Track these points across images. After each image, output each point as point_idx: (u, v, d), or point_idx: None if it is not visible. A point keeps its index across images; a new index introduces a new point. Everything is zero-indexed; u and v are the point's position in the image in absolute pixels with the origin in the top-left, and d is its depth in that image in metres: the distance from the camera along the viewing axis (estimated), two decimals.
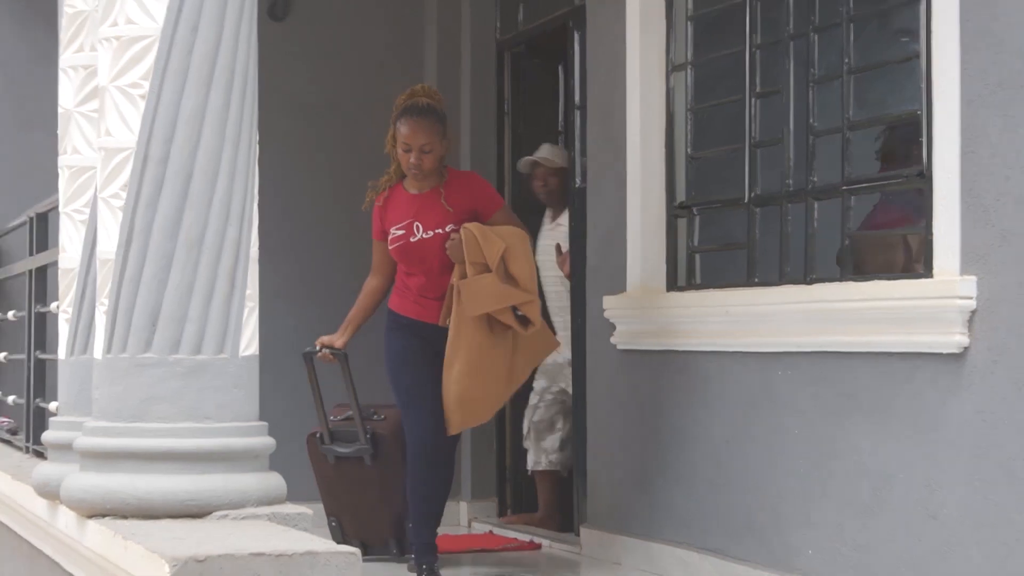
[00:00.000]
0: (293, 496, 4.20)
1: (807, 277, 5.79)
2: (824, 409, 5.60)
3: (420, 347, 6.61)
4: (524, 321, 6.46)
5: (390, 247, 6.62)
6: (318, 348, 6.87)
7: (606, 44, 7.03)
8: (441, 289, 6.52)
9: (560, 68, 8.30)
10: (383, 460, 6.87)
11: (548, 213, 8.17)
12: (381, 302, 6.88)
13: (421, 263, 6.57)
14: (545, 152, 8.14)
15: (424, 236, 6.50)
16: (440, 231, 6.48)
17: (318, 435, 7.01)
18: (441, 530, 8.09)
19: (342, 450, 6.92)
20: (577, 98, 7.81)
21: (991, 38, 4.84)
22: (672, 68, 6.76)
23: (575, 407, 7.64)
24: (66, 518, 4.51)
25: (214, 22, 4.12)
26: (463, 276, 6.38)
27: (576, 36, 7.74)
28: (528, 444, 8.15)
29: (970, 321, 4.93)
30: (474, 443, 8.57)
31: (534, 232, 7.81)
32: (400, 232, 6.55)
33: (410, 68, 8.86)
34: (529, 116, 8.62)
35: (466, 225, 6.42)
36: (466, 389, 6.42)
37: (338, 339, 6.85)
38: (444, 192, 6.55)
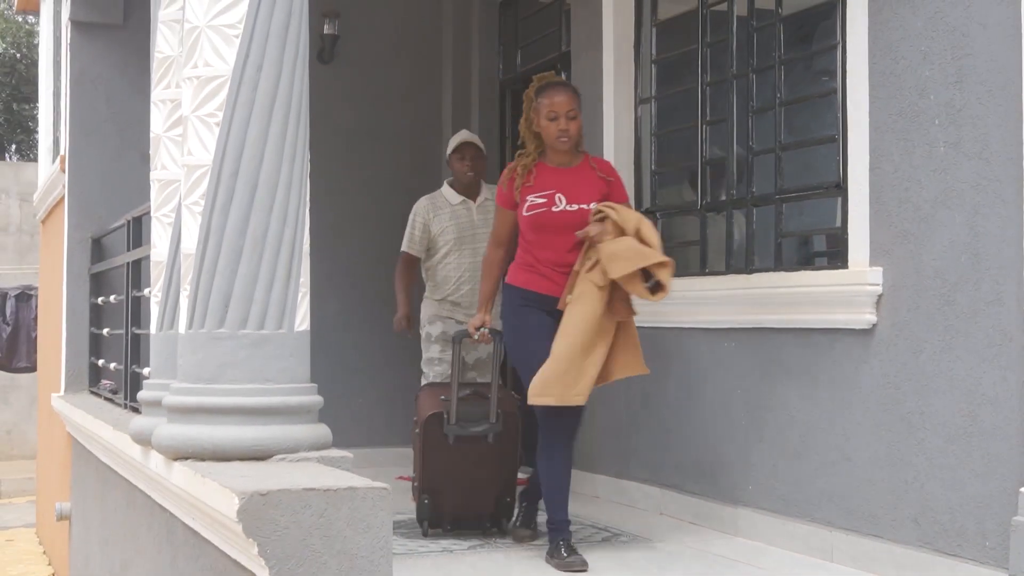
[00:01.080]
0: (337, 443, 4.19)
1: (748, 268, 5.79)
2: (761, 374, 5.59)
3: (552, 323, 5.22)
4: (654, 289, 5.08)
5: (525, 213, 5.29)
6: (471, 331, 5.64)
7: (587, 81, 7.01)
8: (567, 266, 5.22)
9: None
10: (503, 437, 5.78)
11: (466, 201, 6.85)
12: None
13: (555, 236, 5.25)
14: (467, 136, 6.99)
15: (567, 208, 5.23)
16: (583, 207, 5.22)
17: (445, 415, 5.71)
18: None
19: (475, 429, 5.71)
20: None
21: (894, 77, 4.83)
22: (639, 101, 6.75)
23: None
24: (156, 460, 4.50)
25: (274, 65, 4.11)
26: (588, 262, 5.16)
27: (563, 76, 7.72)
28: None
29: (877, 303, 4.93)
30: None
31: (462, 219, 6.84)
32: (540, 200, 5.26)
33: (430, 101, 8.86)
34: None
35: (602, 205, 5.22)
36: (572, 363, 5.06)
37: (487, 318, 5.58)
38: (580, 175, 5.34)
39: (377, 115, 8.76)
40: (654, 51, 6.71)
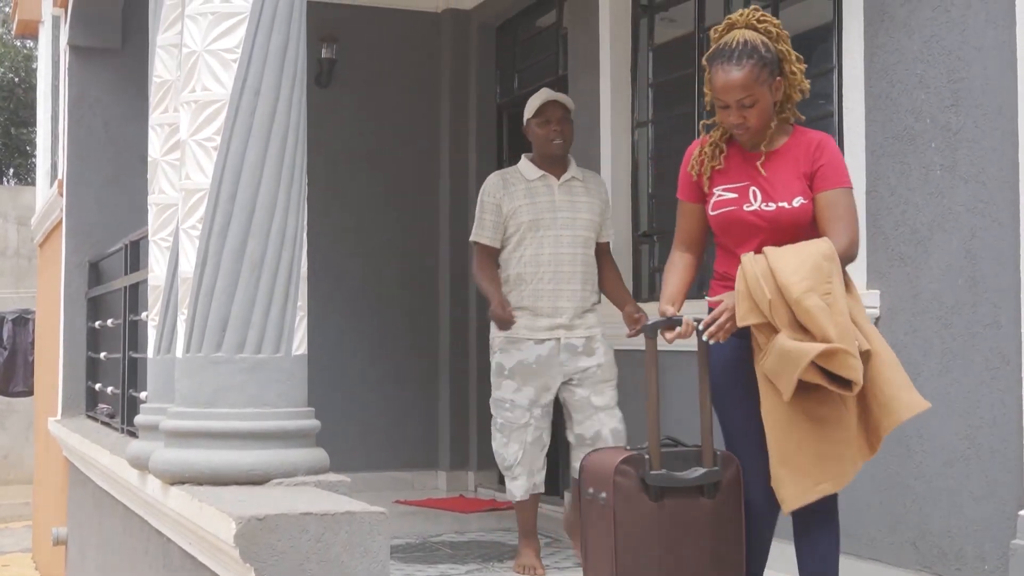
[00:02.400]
0: (335, 467, 4.19)
1: None
2: None
3: (749, 360, 3.76)
4: (843, 381, 3.54)
5: (711, 213, 3.95)
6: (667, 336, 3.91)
7: (584, 105, 7.03)
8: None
9: None
10: (727, 494, 3.78)
11: (546, 176, 5.48)
12: None
13: (747, 242, 3.85)
14: (550, 94, 5.57)
15: (763, 208, 3.81)
16: (785, 205, 3.80)
17: (646, 459, 3.72)
18: (455, 493, 8.09)
19: (686, 476, 3.72)
20: None
21: (889, 101, 4.85)
22: (636, 124, 6.77)
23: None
24: (153, 485, 4.49)
25: (272, 89, 4.12)
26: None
27: None
28: (519, 471, 5.49)
29: (875, 325, 4.93)
30: (479, 420, 8.56)
31: (540, 197, 5.48)
32: (730, 196, 3.88)
33: (428, 125, 8.88)
34: None
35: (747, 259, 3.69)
36: (785, 451, 3.62)
37: (670, 308, 4.02)
38: (781, 156, 3.87)
39: (375, 139, 8.78)
40: (651, 75, 6.73)
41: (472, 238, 5.52)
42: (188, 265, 4.19)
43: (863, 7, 4.97)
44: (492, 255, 5.48)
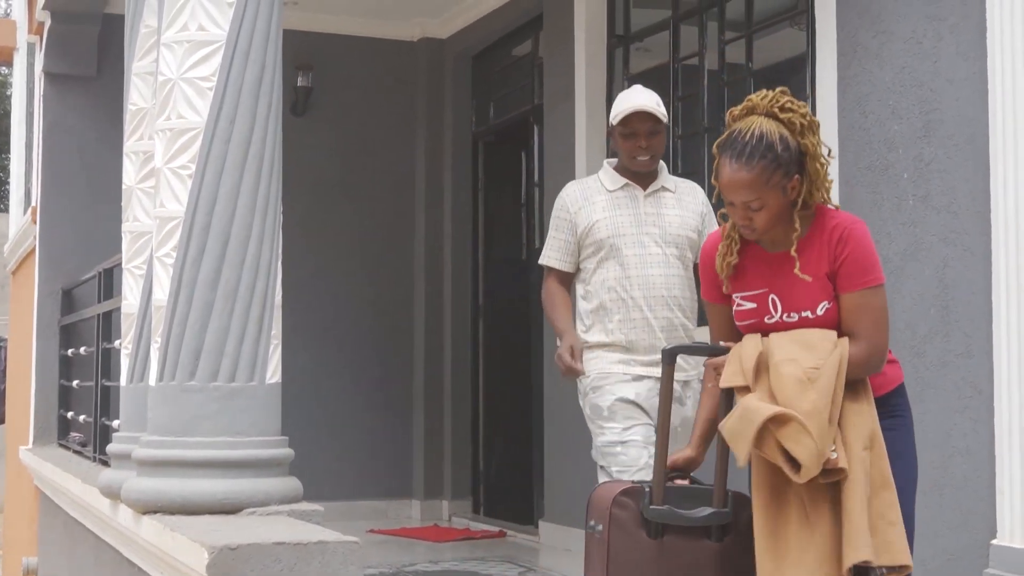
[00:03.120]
0: (308, 496, 4.17)
1: None
2: None
3: None
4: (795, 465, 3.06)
5: (738, 322, 3.34)
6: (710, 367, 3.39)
7: (559, 134, 7.06)
8: None
9: (523, 153, 8.33)
10: (736, 538, 3.32)
11: (630, 185, 4.46)
12: None
13: None
14: (648, 101, 4.44)
15: (785, 319, 3.23)
16: (809, 315, 3.20)
17: (647, 491, 3.37)
18: (429, 522, 8.08)
19: (691, 514, 3.31)
20: (536, 177, 7.85)
21: (862, 132, 4.89)
22: (611, 154, 6.79)
23: (535, 424, 7.60)
24: (125, 514, 4.47)
25: (247, 117, 4.12)
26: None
27: (536, 128, 7.79)
28: None
29: None
30: (454, 448, 8.55)
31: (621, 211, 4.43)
32: (750, 306, 3.30)
33: (404, 153, 8.89)
34: (497, 191, 8.63)
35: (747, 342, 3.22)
36: (769, 550, 3.13)
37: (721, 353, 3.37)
38: (799, 253, 3.21)
39: (350, 167, 8.78)
40: None
41: (541, 260, 4.54)
42: (162, 293, 4.18)
43: (836, 39, 5.01)
44: (565, 281, 4.50)
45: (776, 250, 3.24)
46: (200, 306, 4.06)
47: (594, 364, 4.32)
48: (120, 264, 5.34)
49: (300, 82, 8.62)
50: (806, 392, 3.05)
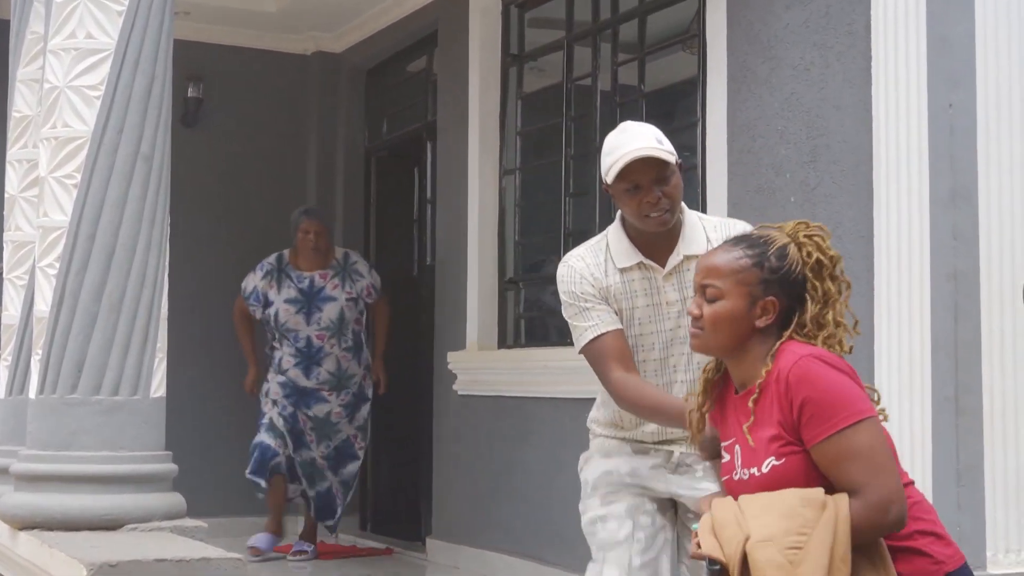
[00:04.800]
0: (192, 512, 4.12)
1: None
2: None
3: None
4: None
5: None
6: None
7: (452, 151, 7.07)
8: None
9: (416, 170, 8.32)
10: None
11: (645, 265, 3.37)
12: None
13: None
14: (646, 140, 3.31)
15: (742, 477, 2.64)
16: (755, 472, 2.59)
17: None
18: (316, 540, 8.00)
19: None
20: (429, 194, 7.85)
21: (751, 155, 4.97)
22: (504, 172, 6.82)
23: (423, 441, 7.59)
24: (1, 530, 4.37)
25: (135, 128, 4.08)
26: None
27: (429, 145, 7.79)
28: None
29: None
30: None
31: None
32: (726, 459, 2.72)
33: (295, 167, 8.84)
34: (390, 208, 8.62)
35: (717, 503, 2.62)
36: None
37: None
38: (759, 402, 2.60)
39: (240, 180, 8.70)
40: (519, 123, 6.80)
41: (583, 344, 3.44)
42: (44, 304, 4.11)
43: (727, 64, 5.09)
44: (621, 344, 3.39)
45: (740, 391, 2.69)
46: (83, 318, 4.00)
47: (598, 439, 3.56)
48: (1, 274, 5.24)
49: (191, 93, 8.52)
50: None
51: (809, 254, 2.65)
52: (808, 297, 2.62)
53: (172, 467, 4.11)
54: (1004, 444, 4.35)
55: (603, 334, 3.33)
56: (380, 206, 8.65)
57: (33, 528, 3.96)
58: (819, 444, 2.48)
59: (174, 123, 4.38)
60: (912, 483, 2.59)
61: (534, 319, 6.72)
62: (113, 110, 4.06)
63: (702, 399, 2.74)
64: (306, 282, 7.21)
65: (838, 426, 2.47)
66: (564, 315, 3.46)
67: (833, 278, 2.66)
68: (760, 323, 2.61)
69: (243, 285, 7.41)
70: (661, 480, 3.38)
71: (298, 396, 7.19)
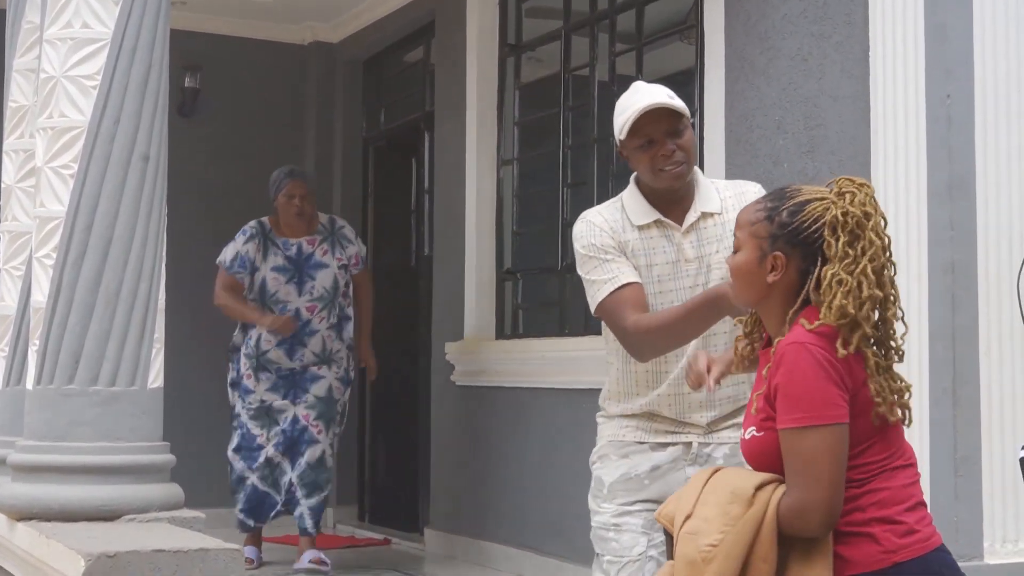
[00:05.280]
0: (190, 503, 4.13)
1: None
2: None
3: None
4: None
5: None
6: None
7: (450, 142, 7.07)
8: None
9: (413, 160, 8.32)
10: None
11: (664, 223, 3.29)
12: None
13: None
14: (658, 95, 3.28)
15: (744, 437, 2.58)
16: (745, 436, 2.55)
17: None
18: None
19: None
20: (426, 184, 7.85)
21: (748, 145, 4.97)
22: (502, 162, 6.82)
23: (421, 432, 7.59)
24: None
25: (132, 117, 4.07)
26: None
27: (427, 135, 7.79)
28: None
29: None
30: (339, 457, 8.50)
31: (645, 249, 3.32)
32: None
33: (293, 157, 8.82)
34: (388, 198, 8.61)
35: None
36: None
37: None
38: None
39: (238, 170, 8.68)
40: (517, 114, 6.79)
41: (599, 298, 3.30)
42: (41, 295, 4.11)
43: (724, 54, 5.09)
44: (640, 297, 3.29)
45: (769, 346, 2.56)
46: (80, 308, 3.99)
47: (609, 428, 3.45)
48: None
49: (188, 83, 8.50)
50: None
51: (830, 212, 2.44)
52: (828, 257, 2.43)
53: (170, 458, 4.11)
54: (1002, 435, 4.36)
55: (623, 285, 3.21)
56: (377, 196, 8.65)
57: (31, 519, 3.96)
58: (779, 431, 2.41)
59: (171, 113, 4.37)
60: (910, 466, 2.49)
61: (532, 310, 6.72)
62: (110, 100, 4.05)
63: (751, 329, 2.63)
64: (293, 249, 6.49)
65: (792, 423, 2.38)
66: (580, 272, 3.35)
67: (855, 238, 2.42)
68: (769, 279, 2.48)
69: (222, 258, 6.57)
70: (681, 477, 3.21)
71: (284, 384, 6.50)
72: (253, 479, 6.54)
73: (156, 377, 4.10)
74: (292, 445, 6.49)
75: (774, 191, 2.60)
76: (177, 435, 4.49)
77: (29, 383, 4.13)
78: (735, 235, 2.57)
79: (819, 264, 2.44)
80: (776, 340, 2.47)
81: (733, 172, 5.02)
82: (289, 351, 6.49)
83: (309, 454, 6.44)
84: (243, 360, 6.60)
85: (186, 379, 7.59)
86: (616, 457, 3.35)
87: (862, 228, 2.43)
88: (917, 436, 4.25)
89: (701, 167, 5.14)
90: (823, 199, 2.47)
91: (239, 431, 6.61)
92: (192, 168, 8.18)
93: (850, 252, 2.42)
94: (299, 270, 6.50)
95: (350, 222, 8.61)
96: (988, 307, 4.35)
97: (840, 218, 2.43)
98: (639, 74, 5.76)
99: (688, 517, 2.43)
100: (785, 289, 2.49)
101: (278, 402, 6.51)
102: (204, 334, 8.38)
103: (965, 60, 4.38)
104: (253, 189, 8.70)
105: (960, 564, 2.54)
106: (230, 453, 6.64)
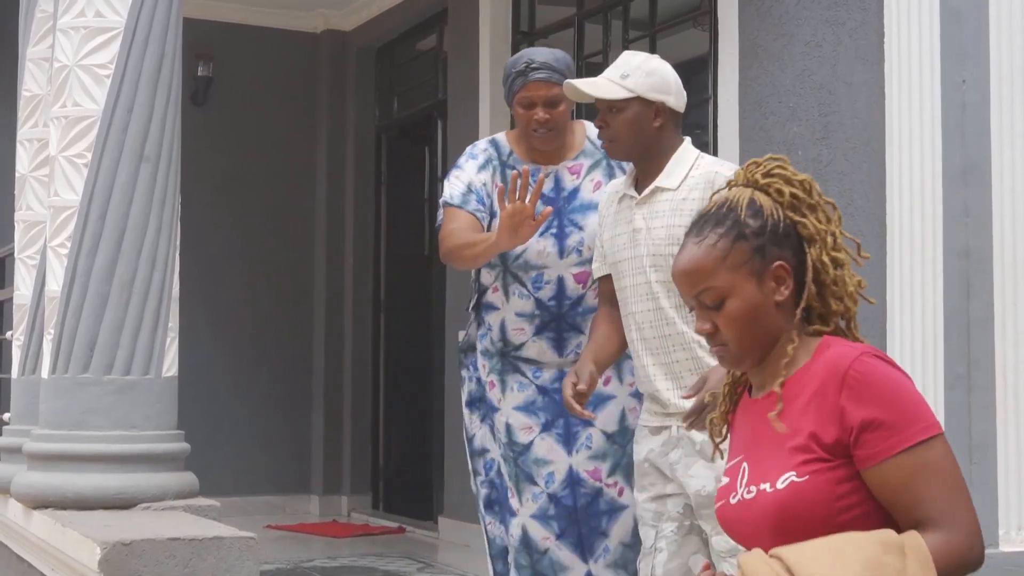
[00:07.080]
0: (205, 491, 4.14)
1: None
2: None
3: None
4: None
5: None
6: None
7: (462, 130, 7.06)
8: None
9: (426, 148, 8.32)
10: None
11: (628, 196, 3.30)
12: None
13: (745, 542, 2.06)
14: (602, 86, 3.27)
15: (743, 497, 2.03)
16: (767, 488, 1.98)
17: None
18: (328, 518, 8.05)
19: None
20: (439, 172, 7.84)
21: (763, 132, 4.96)
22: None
23: (435, 420, 7.60)
24: (15, 509, 4.39)
25: (145, 106, 4.07)
26: None
27: (439, 123, 7.79)
28: None
29: None
30: (354, 445, 8.52)
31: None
32: (724, 481, 2.12)
33: (305, 146, 8.83)
34: (400, 186, 8.61)
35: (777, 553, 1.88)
36: None
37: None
38: (786, 399, 2.02)
39: (250, 159, 8.70)
40: None
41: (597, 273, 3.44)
42: (55, 284, 4.12)
43: (738, 40, 5.07)
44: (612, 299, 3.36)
45: (759, 393, 2.13)
46: (95, 297, 4.00)
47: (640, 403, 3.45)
48: (12, 254, 5.24)
49: (201, 72, 8.52)
50: None
51: (780, 192, 2.15)
52: (806, 240, 2.12)
53: (184, 446, 4.12)
54: (1017, 421, 4.35)
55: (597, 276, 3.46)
56: (390, 184, 8.65)
57: (46, 507, 3.97)
58: (891, 460, 1.93)
59: (184, 102, 4.37)
60: None
61: None
62: (123, 89, 4.05)
63: (725, 404, 2.22)
64: (549, 182, 3.78)
65: (911, 440, 1.94)
66: None
67: (813, 206, 2.15)
68: (780, 296, 2.07)
69: (448, 193, 3.74)
70: (667, 464, 3.19)
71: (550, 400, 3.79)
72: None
73: (171, 366, 4.11)
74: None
75: (699, 221, 2.15)
76: (192, 423, 4.50)
77: (44, 372, 4.14)
78: (705, 290, 2.08)
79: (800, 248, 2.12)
80: (782, 374, 2.05)
81: (747, 159, 4.99)
82: (557, 341, 3.80)
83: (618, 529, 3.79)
84: (481, 361, 3.99)
85: (200, 368, 7.62)
86: (634, 442, 3.37)
87: (807, 191, 2.17)
88: None
89: (715, 153, 5.16)
90: (757, 190, 2.17)
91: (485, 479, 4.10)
92: (205, 157, 8.20)
93: (821, 220, 2.14)
94: (559, 216, 3.79)
95: (362, 210, 8.65)
96: (1003, 293, 4.33)
97: (803, 194, 2.16)
98: None
99: None
100: (785, 307, 2.10)
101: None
102: (218, 322, 8.41)
103: (980, 45, 4.36)
104: (265, 177, 8.73)
105: None
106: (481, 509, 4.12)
